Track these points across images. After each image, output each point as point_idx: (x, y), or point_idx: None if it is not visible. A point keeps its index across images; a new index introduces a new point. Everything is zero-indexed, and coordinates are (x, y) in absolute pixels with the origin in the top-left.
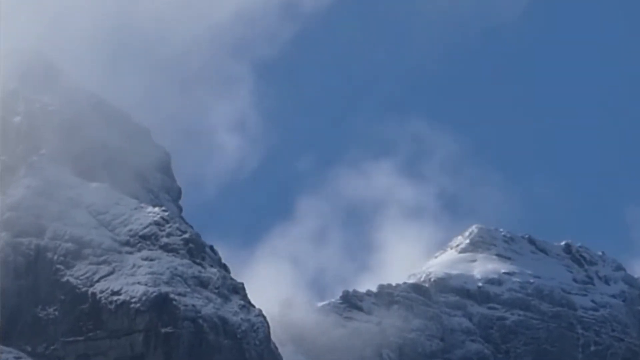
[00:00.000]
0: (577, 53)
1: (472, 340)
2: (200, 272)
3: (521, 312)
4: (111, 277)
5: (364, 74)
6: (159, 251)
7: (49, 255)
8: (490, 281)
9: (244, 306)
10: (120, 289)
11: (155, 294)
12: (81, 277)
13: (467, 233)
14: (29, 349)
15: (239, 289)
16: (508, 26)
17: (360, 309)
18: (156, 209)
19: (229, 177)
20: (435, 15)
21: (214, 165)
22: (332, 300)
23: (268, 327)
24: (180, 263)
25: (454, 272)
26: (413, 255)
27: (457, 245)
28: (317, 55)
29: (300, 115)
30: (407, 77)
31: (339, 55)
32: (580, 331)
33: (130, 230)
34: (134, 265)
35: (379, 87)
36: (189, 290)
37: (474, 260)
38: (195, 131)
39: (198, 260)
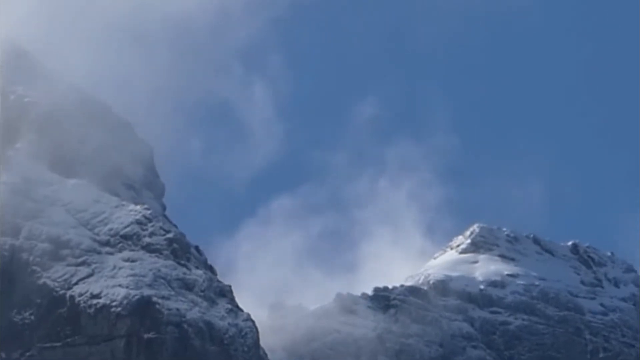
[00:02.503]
0: (588, 43)
1: (474, 347)
2: (185, 274)
3: (525, 317)
4: (90, 279)
5: (366, 62)
6: (141, 252)
7: (25, 256)
8: (492, 283)
9: (231, 310)
10: (100, 292)
11: (137, 297)
12: (59, 280)
13: (468, 232)
14: (4, 355)
15: (226, 292)
16: (516, 13)
17: (354, 313)
18: (138, 207)
19: (223, 171)
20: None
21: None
22: (325, 303)
23: (257, 332)
24: (164, 264)
25: (455, 274)
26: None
27: (458, 246)
28: (316, 39)
29: (300, 98)
30: (408, 66)
31: (339, 44)
32: (588, 337)
33: (111, 229)
34: (114, 267)
35: (381, 77)
36: (173, 293)
37: (476, 262)
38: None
39: (183, 262)
